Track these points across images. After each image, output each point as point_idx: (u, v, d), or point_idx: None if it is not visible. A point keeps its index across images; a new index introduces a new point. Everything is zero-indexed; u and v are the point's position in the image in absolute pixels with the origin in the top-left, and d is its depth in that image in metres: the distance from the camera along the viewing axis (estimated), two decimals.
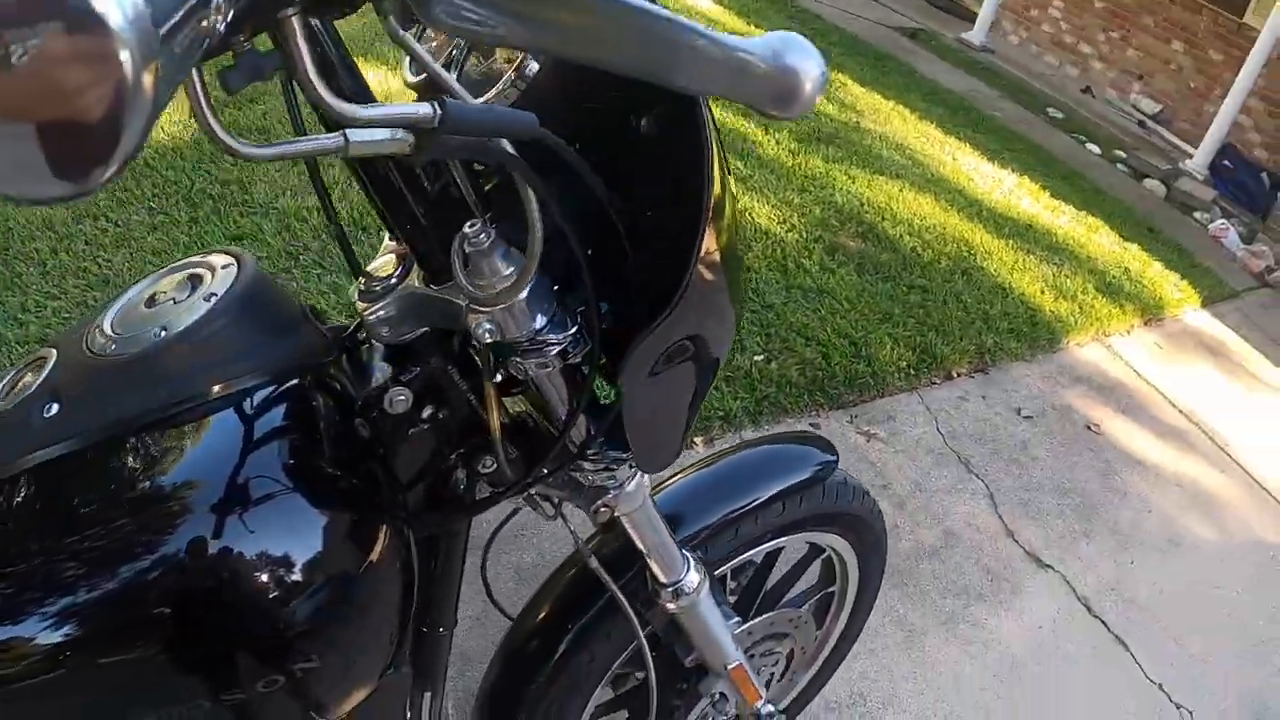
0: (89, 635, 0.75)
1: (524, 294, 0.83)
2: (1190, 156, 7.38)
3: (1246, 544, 3.29)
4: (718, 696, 1.47)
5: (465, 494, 1.03)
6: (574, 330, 0.88)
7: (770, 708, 1.53)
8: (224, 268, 0.89)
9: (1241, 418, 4.12)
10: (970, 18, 9.22)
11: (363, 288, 0.90)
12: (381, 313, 0.89)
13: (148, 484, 0.80)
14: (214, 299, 0.85)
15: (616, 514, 1.14)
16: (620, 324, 0.91)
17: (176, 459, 0.82)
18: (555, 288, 0.88)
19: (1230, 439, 3.90)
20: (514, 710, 1.38)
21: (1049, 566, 2.84)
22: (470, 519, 1.11)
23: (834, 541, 1.60)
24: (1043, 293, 4.35)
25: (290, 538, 0.82)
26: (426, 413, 0.96)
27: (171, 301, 0.87)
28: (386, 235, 0.97)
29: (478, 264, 0.81)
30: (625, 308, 0.91)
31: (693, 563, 1.30)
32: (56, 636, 0.74)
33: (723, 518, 1.37)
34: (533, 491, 1.12)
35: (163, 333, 0.83)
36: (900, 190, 4.77)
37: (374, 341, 0.96)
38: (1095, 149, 7.21)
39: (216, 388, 0.83)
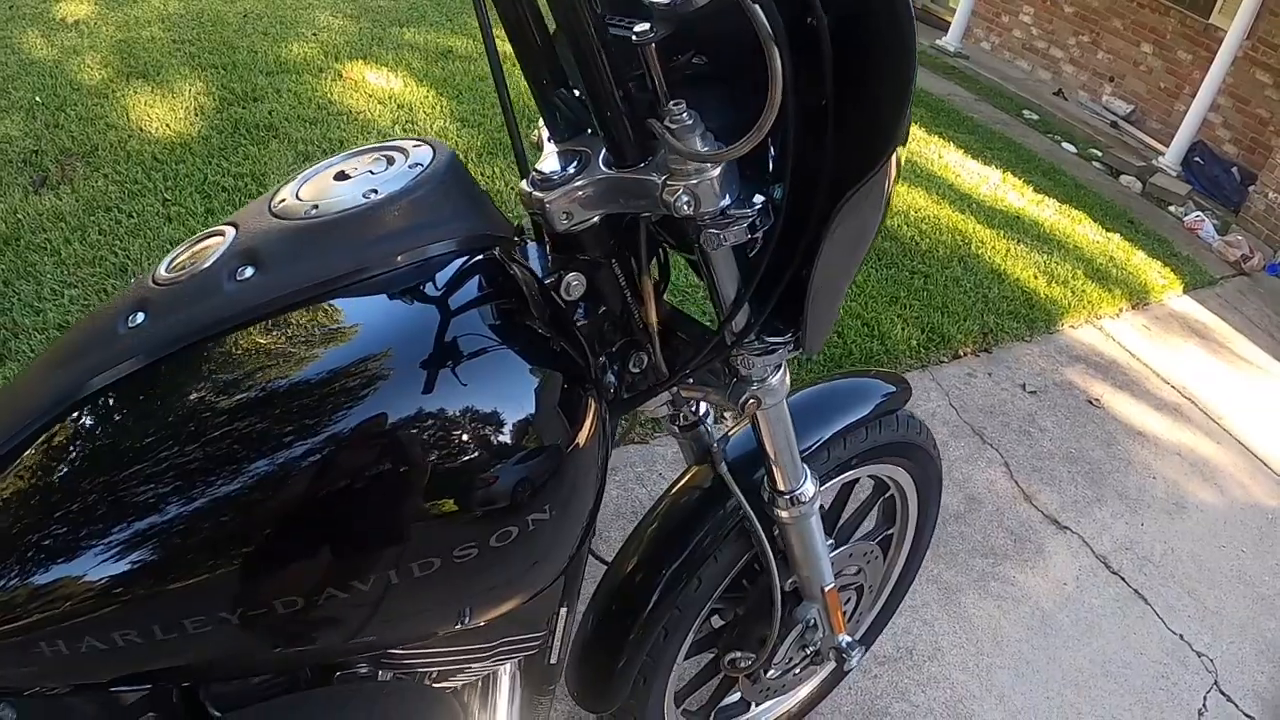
0: (297, 490, 0.74)
1: (719, 169, 0.88)
2: (1162, 154, 7.59)
3: (1246, 507, 3.42)
4: (812, 622, 1.53)
5: (616, 393, 1.08)
6: (759, 205, 0.93)
7: (849, 639, 1.61)
8: (416, 147, 0.91)
9: (1231, 392, 4.27)
10: (944, 25, 9.43)
11: (539, 179, 0.92)
12: (565, 199, 0.91)
13: (355, 343, 0.78)
14: (419, 168, 0.87)
15: (762, 407, 1.19)
16: (797, 205, 0.95)
17: (385, 318, 0.81)
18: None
19: (1223, 412, 4.04)
20: (614, 654, 1.41)
21: (1067, 528, 2.95)
22: (619, 419, 1.13)
23: (898, 475, 1.69)
24: (1036, 278, 4.49)
25: (505, 394, 0.82)
26: (588, 305, 1.01)
27: (369, 173, 0.88)
28: (544, 137, 1.00)
29: (683, 139, 0.85)
30: (801, 191, 0.94)
31: (809, 472, 1.37)
32: (270, 488, 0.73)
33: (822, 438, 1.45)
34: (678, 390, 1.17)
35: (374, 194, 0.84)
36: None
37: (545, 232, 0.99)
38: (1071, 148, 7.39)
39: (431, 247, 0.84)
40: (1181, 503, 3.30)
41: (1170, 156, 7.47)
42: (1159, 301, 5.02)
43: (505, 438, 0.82)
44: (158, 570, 0.71)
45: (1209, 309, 5.23)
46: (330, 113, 4.00)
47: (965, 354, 3.67)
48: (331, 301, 0.80)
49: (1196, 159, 7.53)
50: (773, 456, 1.31)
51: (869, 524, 1.81)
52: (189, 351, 0.77)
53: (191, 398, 0.74)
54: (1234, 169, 7.57)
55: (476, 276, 0.86)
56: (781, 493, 1.35)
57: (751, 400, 1.16)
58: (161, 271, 0.83)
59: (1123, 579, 2.82)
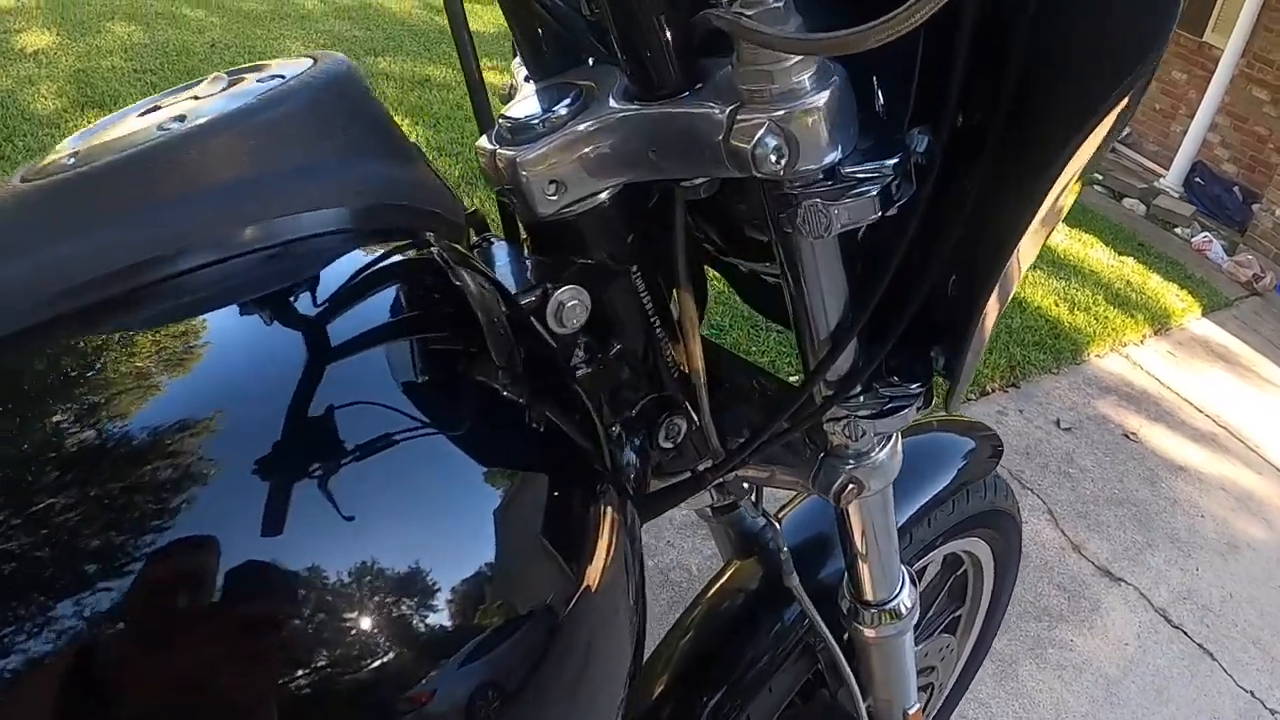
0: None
1: (829, 93, 0.50)
2: (1163, 176, 7.45)
3: None
4: None
5: (639, 482, 0.72)
6: (897, 162, 0.54)
7: None
8: (288, 63, 0.59)
9: (1263, 419, 4.10)
10: None
11: (508, 128, 0.56)
12: (554, 156, 0.55)
13: (143, 411, 0.42)
14: (279, 81, 0.55)
15: (863, 497, 0.82)
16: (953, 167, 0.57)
17: (202, 364, 0.44)
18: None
19: (1259, 440, 3.87)
20: None
21: (1121, 580, 2.73)
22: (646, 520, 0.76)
23: (977, 547, 1.43)
24: (1057, 305, 4.30)
25: (442, 521, 0.45)
26: (593, 341, 0.66)
27: (191, 99, 0.55)
28: (521, 75, 0.66)
29: (766, 29, 0.47)
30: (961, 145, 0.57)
31: (906, 575, 1.01)
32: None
33: (905, 518, 1.14)
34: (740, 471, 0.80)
35: (176, 125, 0.50)
36: None
37: (521, 222, 0.63)
38: None
39: (296, 220, 0.49)
40: (1233, 542, 3.09)
41: (1171, 178, 7.34)
42: (1180, 326, 4.85)
43: (441, 615, 0.43)
44: None
45: (1229, 331, 5.08)
46: None
47: (993, 390, 3.47)
48: (87, 324, 0.45)
49: (1197, 179, 7.40)
50: (863, 553, 0.95)
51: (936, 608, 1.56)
52: None
53: None
54: (1235, 188, 7.44)
55: (389, 283, 0.51)
56: (869, 604, 0.99)
57: (851, 487, 0.80)
58: None
59: (1185, 633, 2.60)
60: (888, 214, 0.55)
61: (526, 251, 0.67)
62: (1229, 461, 3.61)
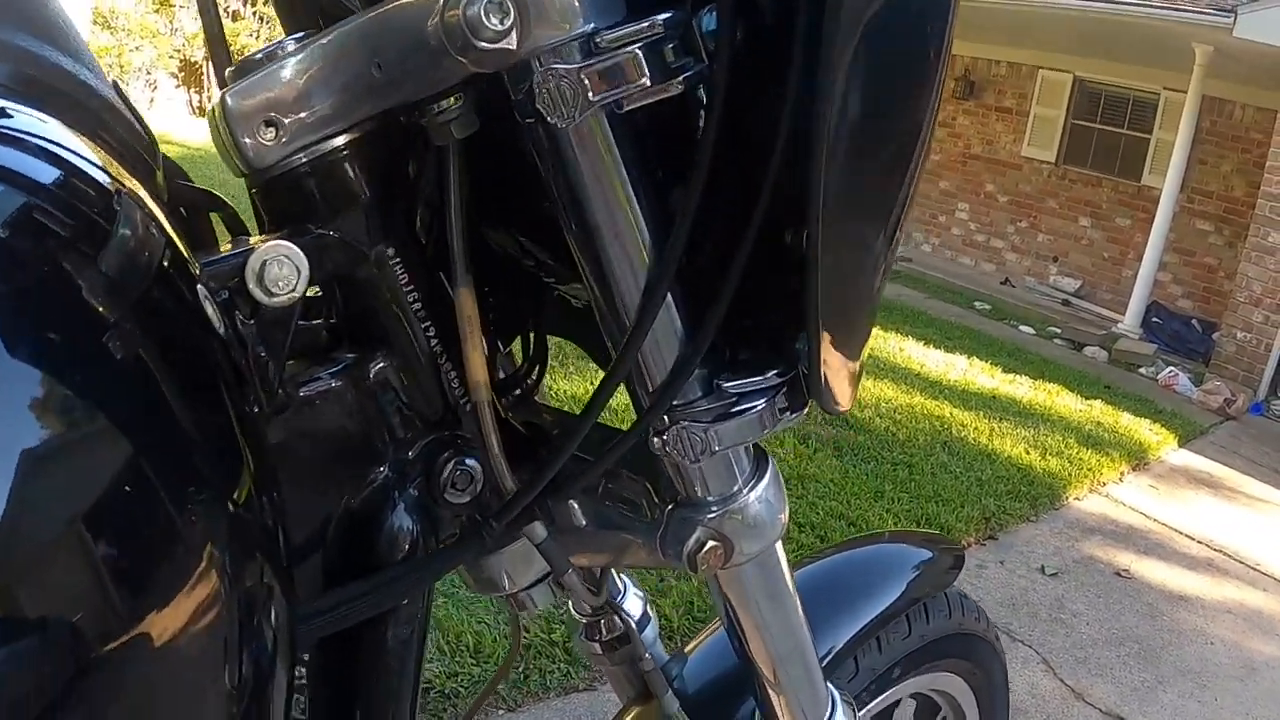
0: None
1: None
2: (1120, 321, 7.57)
3: None
4: None
5: (412, 536, 0.58)
6: (670, 19, 0.45)
7: None
8: None
9: (1258, 536, 4.01)
10: None
11: (233, 71, 0.50)
12: (267, 92, 0.48)
13: None
14: None
15: (734, 563, 0.60)
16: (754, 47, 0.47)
17: None
18: None
19: (1259, 557, 3.76)
20: None
21: None
22: (428, 589, 0.63)
23: (952, 684, 1.22)
24: (1028, 453, 4.25)
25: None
26: (343, 349, 0.54)
27: None
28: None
29: None
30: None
31: (836, 697, 0.79)
32: None
33: (845, 637, 0.96)
34: (567, 566, 0.62)
35: None
36: None
37: (252, 194, 0.52)
38: (1029, 329, 7.34)
39: None
40: (1249, 664, 2.93)
41: (1129, 321, 7.46)
42: (1158, 459, 4.81)
43: None
44: None
45: (1209, 458, 5.05)
46: None
47: (969, 544, 3.36)
48: None
49: (1155, 319, 7.53)
50: (767, 673, 0.72)
51: None
52: None
53: None
54: (1193, 320, 7.57)
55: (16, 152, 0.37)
56: None
57: (711, 545, 0.58)
58: None
59: None
60: (670, 91, 0.45)
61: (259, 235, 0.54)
62: (1231, 584, 3.48)
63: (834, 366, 0.53)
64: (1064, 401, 5.31)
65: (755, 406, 0.54)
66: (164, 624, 0.34)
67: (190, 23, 11.69)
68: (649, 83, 0.44)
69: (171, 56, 11.61)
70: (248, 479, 0.41)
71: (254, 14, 11.75)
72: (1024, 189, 9.00)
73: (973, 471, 3.85)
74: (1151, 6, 6.87)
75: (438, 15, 0.44)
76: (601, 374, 0.55)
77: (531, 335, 0.66)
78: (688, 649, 0.96)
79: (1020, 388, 5.42)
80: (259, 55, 0.48)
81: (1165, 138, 7.80)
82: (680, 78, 0.45)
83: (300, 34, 0.49)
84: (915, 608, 1.06)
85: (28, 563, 0.30)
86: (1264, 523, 4.20)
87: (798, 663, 0.73)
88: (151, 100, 12.03)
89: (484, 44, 0.42)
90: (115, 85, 0.50)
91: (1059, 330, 7.43)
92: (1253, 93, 7.39)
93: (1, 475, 0.29)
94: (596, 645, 0.81)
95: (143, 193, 0.40)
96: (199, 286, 0.42)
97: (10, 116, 0.38)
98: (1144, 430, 5.07)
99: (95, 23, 11.55)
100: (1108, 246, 8.49)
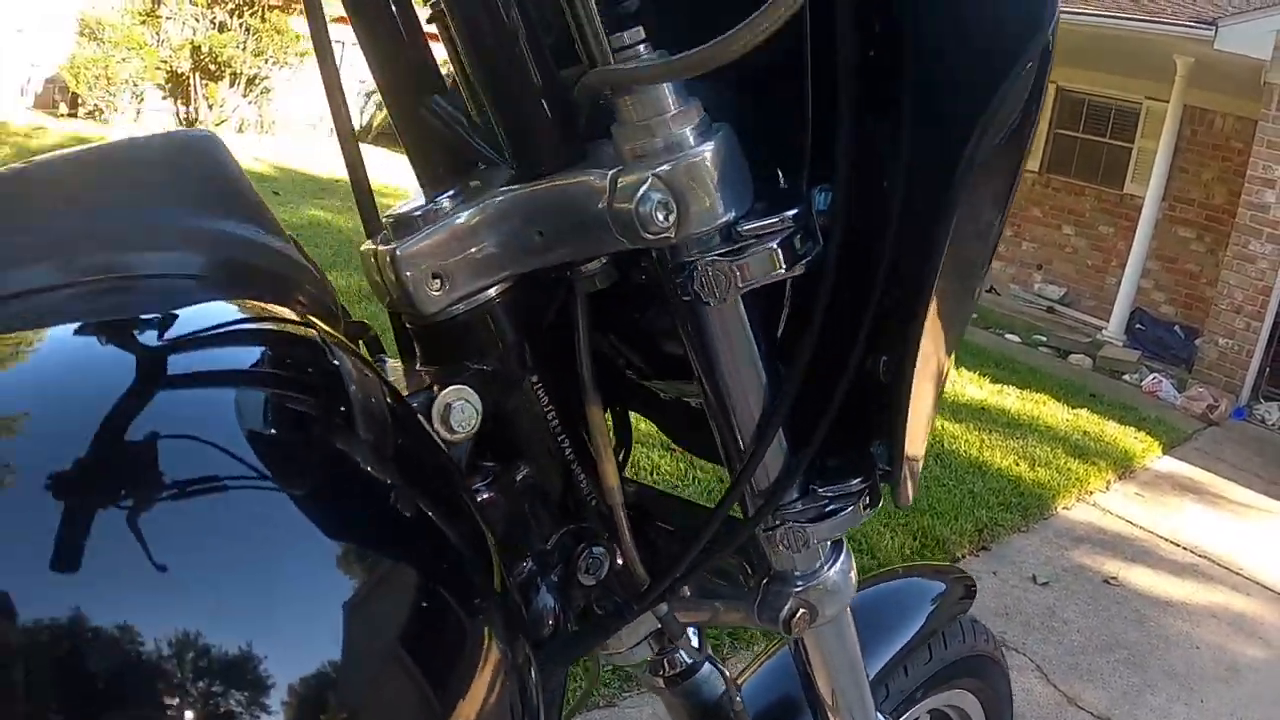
0: None
1: (714, 144, 0.50)
2: (1104, 328, 7.71)
3: None
4: None
5: (558, 626, 0.65)
6: (797, 214, 0.53)
7: None
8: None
9: (1241, 541, 4.13)
10: None
11: (393, 224, 0.55)
12: (436, 247, 0.53)
13: None
14: (135, 140, 0.55)
15: (817, 625, 0.71)
16: (864, 219, 0.54)
17: (17, 388, 0.40)
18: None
19: (1241, 562, 3.88)
20: None
21: None
22: (563, 672, 0.71)
23: (965, 701, 1.34)
24: (1018, 464, 4.37)
25: (262, 589, 0.38)
26: (492, 462, 0.61)
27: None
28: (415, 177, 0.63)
29: (649, 95, 0.49)
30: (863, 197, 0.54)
31: None
32: None
33: (880, 665, 1.09)
34: (668, 612, 0.74)
35: (17, 165, 0.50)
36: None
37: (409, 329, 0.60)
38: (1015, 337, 7.47)
39: (141, 258, 0.47)
40: (1234, 666, 3.05)
41: (1113, 328, 7.59)
42: (1143, 467, 4.93)
43: (253, 698, 0.36)
44: None
45: (1193, 464, 5.18)
46: None
47: (964, 555, 3.47)
48: None
49: (1138, 325, 7.66)
50: (831, 702, 0.84)
51: None
52: None
53: None
54: (1176, 327, 7.71)
55: (244, 339, 0.46)
56: None
57: (801, 612, 0.69)
58: None
59: None
60: (794, 273, 0.53)
61: (418, 367, 0.62)
62: (1215, 589, 3.60)
63: (914, 463, 0.64)
64: (1051, 411, 5.44)
65: (846, 507, 0.64)
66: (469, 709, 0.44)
67: (176, 34, 11.68)
68: (783, 271, 0.53)
69: (158, 68, 11.55)
70: (478, 548, 0.51)
71: (241, 25, 11.76)
72: None
73: (965, 484, 3.96)
74: (1134, 19, 7.01)
75: (605, 201, 0.51)
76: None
77: (613, 413, 0.73)
78: (740, 680, 1.04)
79: (1008, 398, 5.54)
80: (417, 213, 0.54)
81: (1147, 146, 7.95)
82: (804, 261, 0.53)
83: (451, 192, 0.55)
84: (936, 636, 1.18)
85: (367, 686, 0.40)
86: (1247, 528, 4.33)
87: (857, 696, 0.85)
88: (138, 113, 11.98)
89: (648, 235, 0.50)
90: (294, 241, 0.58)
91: (1044, 338, 7.56)
92: (1233, 103, 7.55)
93: (331, 623, 0.38)
94: (660, 680, 0.89)
95: (349, 347, 0.49)
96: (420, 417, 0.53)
97: (235, 313, 0.47)
98: (1129, 438, 5.20)
99: (81, 34, 11.46)
100: (1091, 254, 8.64)
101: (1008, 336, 7.47)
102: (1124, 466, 4.78)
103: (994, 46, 0.50)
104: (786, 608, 0.69)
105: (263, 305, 0.48)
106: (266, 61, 12.33)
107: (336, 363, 0.46)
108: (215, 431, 0.39)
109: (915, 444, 0.62)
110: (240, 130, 12.68)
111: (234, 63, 12.18)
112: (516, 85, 0.52)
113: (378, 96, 0.55)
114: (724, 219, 0.51)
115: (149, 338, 0.44)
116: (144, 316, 0.45)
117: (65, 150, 0.51)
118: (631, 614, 0.67)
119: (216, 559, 0.37)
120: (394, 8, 0.55)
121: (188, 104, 12.44)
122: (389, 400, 0.48)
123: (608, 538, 0.67)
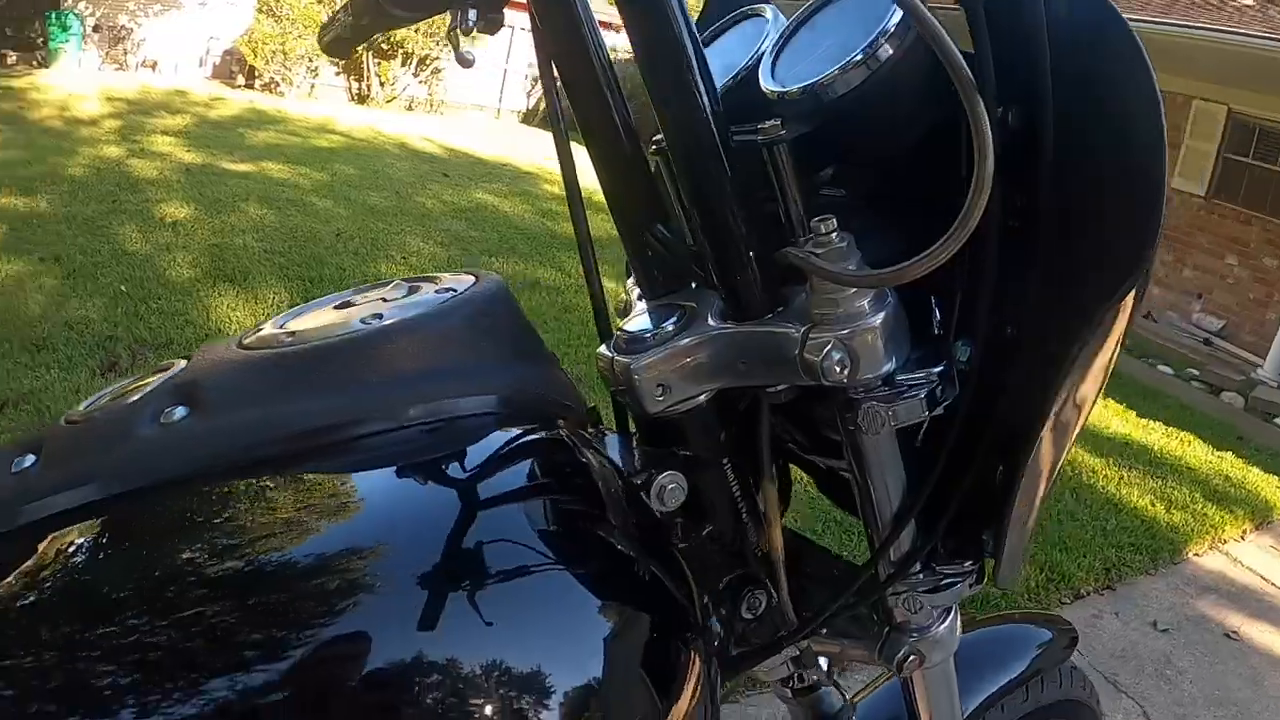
0: None
1: (884, 314, 0.64)
2: (1260, 366, 7.52)
3: None
4: None
5: (723, 646, 0.82)
6: (941, 370, 0.68)
7: None
8: (456, 276, 0.75)
9: None
10: None
11: (624, 340, 0.68)
12: (662, 365, 0.66)
13: (324, 535, 0.55)
14: (451, 294, 0.70)
15: (925, 668, 0.89)
16: (988, 371, 0.69)
17: (379, 499, 0.59)
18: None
19: None
20: None
21: None
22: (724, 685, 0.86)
23: None
24: (1153, 505, 4.43)
25: (562, 643, 0.58)
26: (688, 522, 0.77)
27: (380, 300, 0.70)
28: (633, 298, 0.81)
29: (834, 265, 0.62)
30: (994, 352, 0.69)
31: None
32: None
33: (977, 702, 1.21)
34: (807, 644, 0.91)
35: (374, 321, 0.65)
36: None
37: (632, 417, 0.76)
38: (1168, 369, 7.38)
39: (458, 402, 0.64)
40: None
41: (1269, 368, 7.41)
42: None
43: (546, 711, 0.55)
44: None
45: None
46: None
47: (1088, 593, 3.61)
48: (295, 465, 0.59)
49: None
50: None
51: None
52: (58, 521, 0.55)
53: (38, 598, 0.51)
54: None
55: (528, 456, 0.65)
56: None
57: (912, 658, 0.87)
58: (80, 407, 0.65)
59: None
60: (934, 413, 0.68)
61: (635, 442, 0.79)
62: None
63: (1014, 553, 0.77)
64: (1195, 451, 5.43)
65: (958, 583, 0.82)
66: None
67: None
68: (926, 414, 0.68)
69: None
70: (680, 591, 0.70)
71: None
72: (1171, 221, 8.91)
73: (1098, 520, 4.08)
74: None
75: (798, 350, 0.64)
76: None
77: (777, 466, 0.87)
78: (855, 699, 1.19)
79: (1153, 434, 5.55)
80: (647, 334, 0.67)
81: None
82: (942, 405, 0.68)
83: (675, 317, 0.69)
84: (1033, 680, 1.29)
85: (626, 690, 0.61)
86: None
87: None
88: (313, 87, 12.52)
89: (827, 381, 0.64)
90: (554, 357, 0.77)
91: (1197, 372, 7.44)
92: None
93: (610, 649, 0.60)
94: (789, 691, 1.07)
95: (596, 450, 0.68)
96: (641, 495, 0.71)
97: (520, 440, 0.66)
98: (1272, 488, 5.15)
99: (260, 10, 12.08)
100: (1253, 287, 8.39)
101: (1160, 368, 7.38)
102: (1262, 516, 4.75)
103: (1108, 265, 0.63)
104: (901, 653, 0.86)
105: (535, 428, 0.67)
106: (438, 43, 12.74)
107: (588, 466, 0.65)
108: (516, 533, 0.60)
109: (1018, 537, 0.76)
110: (410, 109, 13.13)
111: (406, 42, 12.64)
112: (728, 235, 0.66)
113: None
114: (886, 370, 0.66)
115: (459, 468, 0.62)
116: (455, 452, 0.63)
117: (402, 318, 0.67)
118: (782, 647, 0.85)
119: (522, 617, 0.56)
120: (624, 139, 0.67)
121: (360, 80, 12.93)
122: (623, 486, 0.67)
123: (768, 582, 0.83)
